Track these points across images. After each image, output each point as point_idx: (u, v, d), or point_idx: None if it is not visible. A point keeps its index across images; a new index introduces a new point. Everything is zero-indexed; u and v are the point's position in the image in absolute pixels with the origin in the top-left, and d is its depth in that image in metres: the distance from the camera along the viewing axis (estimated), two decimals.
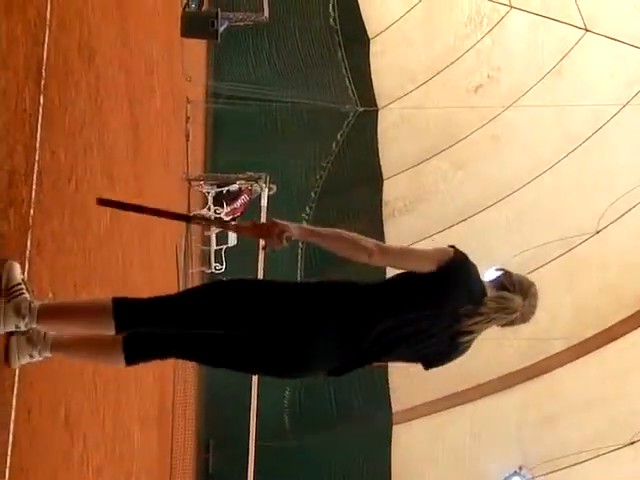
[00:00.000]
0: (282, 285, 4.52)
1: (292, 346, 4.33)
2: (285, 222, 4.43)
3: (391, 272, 4.72)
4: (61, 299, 4.47)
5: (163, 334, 4.43)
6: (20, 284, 3.95)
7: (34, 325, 3.98)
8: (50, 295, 4.53)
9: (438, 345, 4.62)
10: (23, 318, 3.90)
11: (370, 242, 4.54)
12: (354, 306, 4.38)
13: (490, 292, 4.70)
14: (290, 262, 24.87)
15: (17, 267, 3.98)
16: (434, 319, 4.54)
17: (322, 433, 22.88)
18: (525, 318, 4.79)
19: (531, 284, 4.87)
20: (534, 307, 4.82)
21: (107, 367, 7.02)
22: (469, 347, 4.73)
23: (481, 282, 4.76)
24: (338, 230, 4.66)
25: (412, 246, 4.81)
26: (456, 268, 4.59)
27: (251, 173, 21.57)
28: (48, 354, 4.20)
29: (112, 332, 4.17)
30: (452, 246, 4.71)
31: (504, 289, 4.73)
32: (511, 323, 4.75)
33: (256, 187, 20.90)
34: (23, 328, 3.97)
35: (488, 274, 4.94)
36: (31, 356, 4.10)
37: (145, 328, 4.36)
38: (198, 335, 4.41)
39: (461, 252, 4.70)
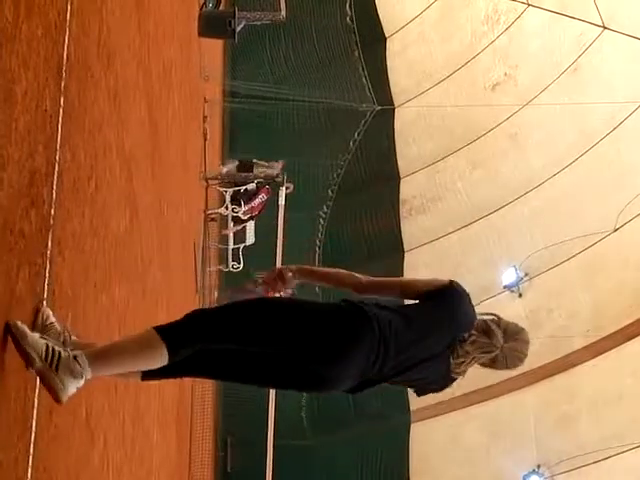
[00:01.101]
0: (317, 308, 4.57)
1: (319, 369, 4.41)
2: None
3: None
4: (99, 344, 4.37)
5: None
6: (47, 346, 3.77)
7: (90, 376, 3.90)
8: (69, 316, 4.52)
9: (435, 374, 4.82)
10: (81, 376, 3.82)
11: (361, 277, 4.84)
12: (387, 334, 4.47)
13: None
14: (308, 259, 24.88)
15: (25, 329, 3.73)
16: (442, 345, 4.71)
17: (339, 431, 22.90)
18: (509, 362, 4.82)
19: (520, 330, 4.87)
20: (520, 353, 4.84)
21: None
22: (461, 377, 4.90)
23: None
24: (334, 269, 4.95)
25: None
26: (452, 294, 4.82)
27: (268, 163, 21.58)
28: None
29: (165, 360, 4.11)
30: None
31: (486, 331, 4.77)
32: (492, 363, 4.81)
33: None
34: (82, 384, 3.89)
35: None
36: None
37: (196, 345, 4.29)
38: (220, 353, 4.43)
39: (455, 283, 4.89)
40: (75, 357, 3.84)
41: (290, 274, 4.72)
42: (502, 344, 4.71)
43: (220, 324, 4.32)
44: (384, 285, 4.93)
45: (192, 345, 4.25)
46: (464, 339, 4.69)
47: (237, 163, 24.42)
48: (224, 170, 24.14)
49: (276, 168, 24.01)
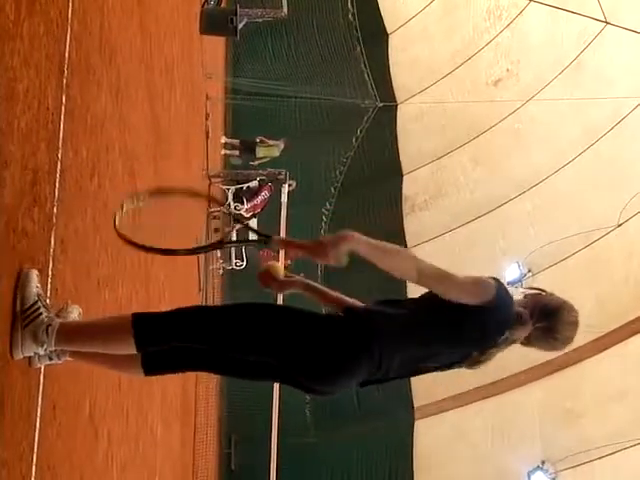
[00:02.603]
0: (312, 316, 4.28)
1: (308, 383, 4.27)
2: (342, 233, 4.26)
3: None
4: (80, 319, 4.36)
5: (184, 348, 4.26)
6: (36, 303, 3.81)
7: (52, 348, 3.87)
8: (68, 302, 4.49)
9: (449, 360, 4.52)
10: (42, 345, 3.80)
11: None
12: (392, 339, 4.24)
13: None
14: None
15: (32, 280, 3.83)
16: (455, 354, 4.46)
17: (344, 429, 22.89)
18: (542, 345, 4.54)
19: (557, 309, 4.54)
20: (553, 335, 4.50)
21: None
22: None
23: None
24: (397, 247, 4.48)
25: (451, 270, 4.55)
26: (500, 307, 4.36)
27: (271, 169, 21.62)
28: (66, 357, 4.15)
29: (133, 351, 4.02)
30: (494, 278, 4.47)
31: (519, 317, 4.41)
32: (527, 343, 4.54)
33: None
34: (42, 353, 3.89)
35: (518, 292, 4.64)
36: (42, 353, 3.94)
37: (166, 345, 4.16)
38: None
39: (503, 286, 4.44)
40: (48, 326, 3.81)
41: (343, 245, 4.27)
42: (532, 326, 4.41)
43: (197, 328, 4.13)
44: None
45: (162, 343, 4.14)
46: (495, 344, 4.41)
47: (238, 142, 24.61)
48: (225, 140, 24.25)
49: (279, 147, 24.12)
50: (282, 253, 20.89)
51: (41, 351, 3.85)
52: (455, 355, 4.46)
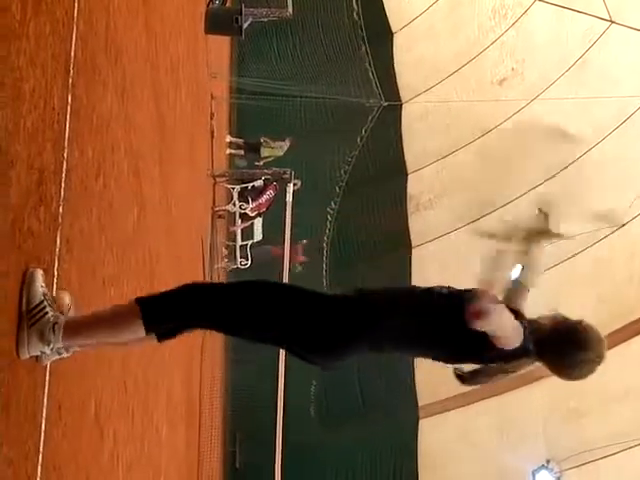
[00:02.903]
0: (317, 296, 4.39)
1: (311, 358, 4.37)
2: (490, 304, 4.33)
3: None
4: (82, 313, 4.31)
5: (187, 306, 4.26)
6: (42, 302, 3.80)
7: (60, 345, 3.88)
8: (57, 291, 4.47)
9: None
10: (48, 344, 3.81)
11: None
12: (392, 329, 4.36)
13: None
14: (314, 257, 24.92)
15: (38, 279, 3.81)
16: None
17: (348, 427, 22.90)
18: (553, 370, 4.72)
19: (567, 339, 4.67)
20: (558, 363, 4.73)
21: (135, 363, 7.07)
22: None
23: None
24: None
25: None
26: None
27: (276, 169, 21.64)
28: (75, 348, 4.13)
29: (142, 334, 4.07)
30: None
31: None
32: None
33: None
34: (49, 352, 3.89)
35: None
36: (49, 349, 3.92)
37: (176, 323, 4.24)
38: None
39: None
40: (54, 325, 3.82)
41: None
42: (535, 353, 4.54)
43: (204, 307, 4.22)
44: None
45: (171, 323, 4.21)
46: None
47: (242, 141, 24.69)
48: (230, 139, 24.32)
49: (284, 147, 24.16)
50: (287, 251, 20.94)
51: (47, 350, 3.85)
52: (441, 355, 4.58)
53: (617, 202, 20.46)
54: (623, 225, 20.38)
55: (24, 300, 3.74)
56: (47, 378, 4.00)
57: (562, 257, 21.56)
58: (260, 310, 4.22)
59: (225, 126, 25.47)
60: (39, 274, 3.82)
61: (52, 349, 3.87)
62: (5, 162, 3.42)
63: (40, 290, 3.80)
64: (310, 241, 24.79)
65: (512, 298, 4.66)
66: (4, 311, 3.46)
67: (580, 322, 4.65)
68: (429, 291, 4.52)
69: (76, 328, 3.95)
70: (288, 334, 4.27)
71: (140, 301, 4.10)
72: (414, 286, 4.63)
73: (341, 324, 4.25)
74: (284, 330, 4.26)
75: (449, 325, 4.36)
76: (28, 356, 3.78)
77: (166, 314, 4.15)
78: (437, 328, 4.40)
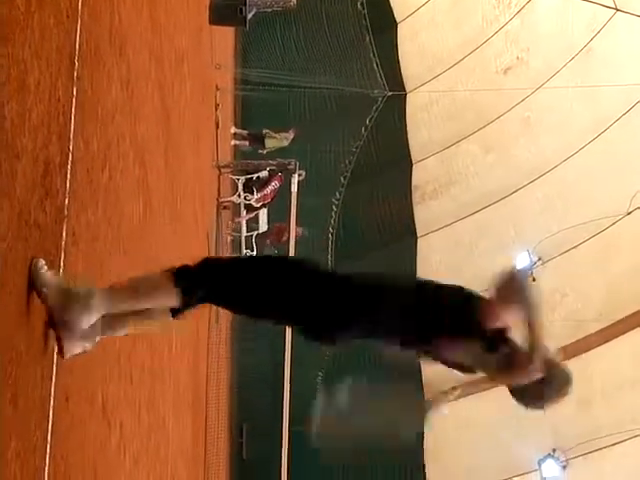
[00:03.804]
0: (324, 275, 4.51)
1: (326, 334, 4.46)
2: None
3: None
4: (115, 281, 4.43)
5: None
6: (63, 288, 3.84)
7: (103, 311, 3.96)
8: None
9: None
10: (94, 310, 3.89)
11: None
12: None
13: None
14: (321, 246, 24.94)
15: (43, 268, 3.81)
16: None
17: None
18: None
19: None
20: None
21: (142, 355, 7.07)
22: None
23: None
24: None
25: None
26: None
27: (280, 160, 21.64)
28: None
29: (178, 304, 4.17)
30: None
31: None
32: None
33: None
34: (89, 347, 3.98)
35: None
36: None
37: (207, 290, 4.30)
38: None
39: None
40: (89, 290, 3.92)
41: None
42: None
43: (233, 283, 4.32)
44: None
45: (200, 291, 4.25)
46: None
47: (246, 133, 24.72)
48: (234, 130, 24.35)
49: (288, 138, 24.18)
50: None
51: (89, 346, 3.96)
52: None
53: (623, 190, 20.43)
54: (629, 213, 20.35)
55: (53, 292, 3.76)
56: (54, 370, 4.01)
57: (570, 245, 21.58)
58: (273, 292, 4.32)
59: (230, 117, 25.45)
60: (40, 264, 3.80)
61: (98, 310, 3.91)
62: (11, 155, 3.42)
63: (53, 277, 3.81)
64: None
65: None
66: (9, 302, 3.46)
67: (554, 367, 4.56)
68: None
69: (112, 295, 4.04)
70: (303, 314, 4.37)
71: (174, 270, 4.20)
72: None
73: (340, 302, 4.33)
74: (298, 310, 4.37)
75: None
76: (70, 355, 3.88)
77: (197, 281, 4.21)
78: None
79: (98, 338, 4.06)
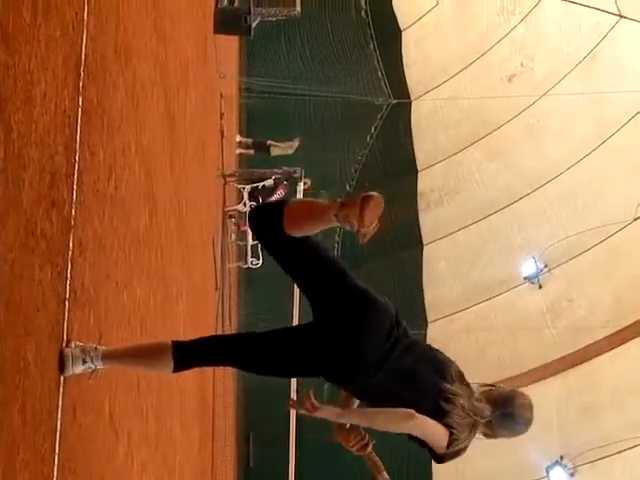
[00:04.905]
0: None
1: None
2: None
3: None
4: (121, 345, 4.99)
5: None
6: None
7: (99, 364, 4.33)
8: (98, 336, 4.75)
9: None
10: (88, 353, 4.24)
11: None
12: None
13: None
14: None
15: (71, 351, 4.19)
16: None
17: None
18: (506, 431, 5.05)
19: (511, 394, 5.02)
20: (518, 417, 5.02)
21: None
22: None
23: None
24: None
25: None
26: None
27: (286, 168, 21.63)
28: (100, 364, 4.37)
29: (169, 371, 4.62)
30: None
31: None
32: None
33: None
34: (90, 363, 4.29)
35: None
36: (84, 362, 4.24)
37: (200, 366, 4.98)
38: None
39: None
40: (96, 347, 4.33)
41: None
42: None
43: (231, 358, 4.86)
44: None
45: (195, 366, 4.86)
46: None
47: (250, 141, 24.77)
48: (239, 139, 24.38)
49: (293, 147, 24.20)
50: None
51: (88, 360, 4.30)
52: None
53: (630, 196, 20.42)
54: (636, 219, 20.34)
55: (74, 357, 4.18)
56: (62, 381, 4.02)
57: (576, 252, 21.55)
58: (286, 361, 4.91)
59: (235, 126, 25.47)
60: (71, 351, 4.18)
61: (92, 360, 4.31)
62: (17, 166, 3.43)
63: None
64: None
65: None
66: (17, 312, 3.46)
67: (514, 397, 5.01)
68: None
69: (114, 356, 4.50)
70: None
71: (175, 344, 4.61)
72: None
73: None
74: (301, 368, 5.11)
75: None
76: (71, 373, 4.16)
77: (195, 358, 4.74)
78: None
79: (100, 364, 4.40)
